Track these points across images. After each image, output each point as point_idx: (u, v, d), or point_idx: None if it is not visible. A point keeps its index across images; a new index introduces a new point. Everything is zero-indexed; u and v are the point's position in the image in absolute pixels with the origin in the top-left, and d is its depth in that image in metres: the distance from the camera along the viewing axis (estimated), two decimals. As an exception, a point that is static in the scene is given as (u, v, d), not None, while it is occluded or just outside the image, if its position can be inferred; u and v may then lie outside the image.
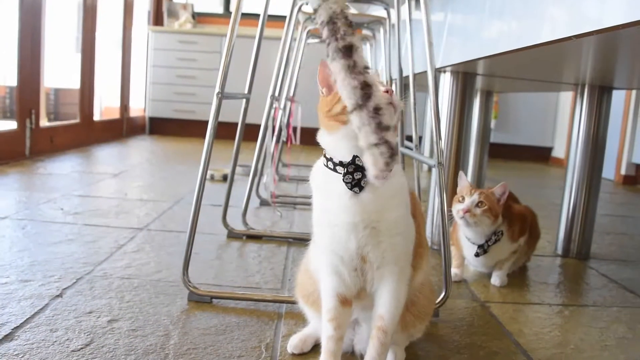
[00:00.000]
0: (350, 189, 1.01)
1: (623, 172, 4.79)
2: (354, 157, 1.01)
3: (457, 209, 1.77)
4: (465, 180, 1.83)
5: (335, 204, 1.03)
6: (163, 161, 4.17)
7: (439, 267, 1.83)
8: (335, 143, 1.04)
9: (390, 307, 1.08)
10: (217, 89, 1.53)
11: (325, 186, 1.05)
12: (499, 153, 6.13)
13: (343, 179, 1.01)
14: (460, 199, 1.79)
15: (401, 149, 1.94)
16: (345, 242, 1.04)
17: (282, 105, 2.81)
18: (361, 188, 1.01)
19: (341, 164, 1.02)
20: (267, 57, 2.54)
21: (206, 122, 1.56)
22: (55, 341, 1.22)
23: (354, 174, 1.01)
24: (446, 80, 2.18)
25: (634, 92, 4.65)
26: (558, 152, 6.12)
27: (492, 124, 5.87)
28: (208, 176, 3.39)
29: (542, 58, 1.65)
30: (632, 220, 3.19)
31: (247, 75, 2.04)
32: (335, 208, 1.04)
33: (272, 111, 2.46)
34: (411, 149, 1.96)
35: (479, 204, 1.75)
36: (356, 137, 0.98)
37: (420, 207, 1.24)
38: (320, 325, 1.15)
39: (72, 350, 1.19)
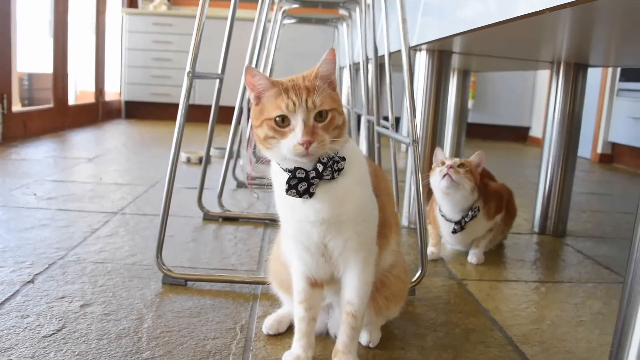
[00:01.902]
0: (300, 197, 0.99)
1: (599, 150, 4.83)
2: (295, 169, 0.98)
3: (439, 169, 1.75)
4: (441, 153, 1.82)
5: (292, 203, 1.02)
6: (139, 145, 4.12)
7: (416, 246, 1.82)
8: (272, 158, 1.03)
9: (357, 291, 1.07)
10: (187, 68, 1.50)
11: (282, 183, 1.02)
12: (477, 133, 6.15)
13: (287, 193, 0.99)
14: (441, 164, 1.78)
15: (377, 128, 1.93)
16: (308, 235, 1.03)
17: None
18: (312, 194, 0.99)
19: (288, 170, 1.00)
20: (244, 38, 2.50)
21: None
22: (26, 327, 1.20)
23: (297, 187, 0.99)
24: (422, 58, 2.17)
25: (609, 70, 4.68)
26: (536, 132, 6.15)
27: (470, 104, 5.88)
28: (184, 159, 3.37)
29: (518, 35, 1.64)
30: (608, 198, 3.22)
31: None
32: (293, 207, 1.02)
33: (247, 92, 2.43)
34: (387, 129, 1.95)
35: (461, 165, 1.75)
36: (285, 158, 0.97)
37: (387, 184, 1.22)
38: (293, 307, 1.14)
39: (44, 336, 1.16)
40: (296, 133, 0.93)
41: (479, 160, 1.79)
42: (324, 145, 0.95)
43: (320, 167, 0.97)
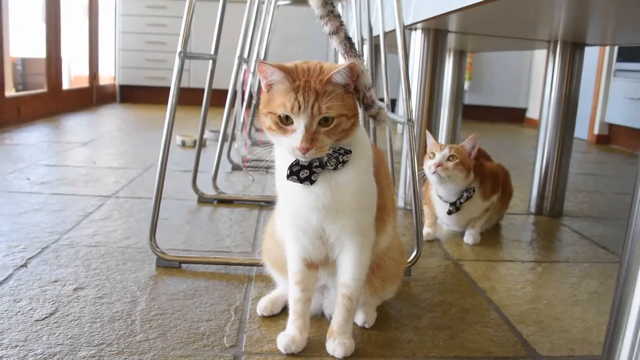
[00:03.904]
0: (301, 183, 0.98)
1: (596, 131, 4.81)
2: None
3: (429, 164, 1.75)
4: (431, 138, 1.81)
5: (293, 187, 1.01)
6: (134, 129, 4.09)
7: (412, 227, 1.81)
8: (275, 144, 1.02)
9: (353, 274, 1.07)
10: (179, 48, 1.47)
11: (284, 167, 1.01)
12: (473, 115, 6.12)
13: (287, 179, 0.99)
14: (431, 155, 1.77)
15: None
16: (307, 219, 1.03)
17: (252, 69, 2.76)
18: (313, 181, 0.98)
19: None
20: (238, 20, 2.47)
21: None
22: (18, 311, 1.19)
23: (299, 173, 0.98)
24: (417, 38, 2.15)
25: (607, 51, 4.65)
26: (532, 113, 6.13)
27: (466, 85, 5.85)
28: (179, 142, 3.35)
29: (515, 12, 1.62)
30: (605, 178, 3.21)
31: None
32: (293, 191, 1.01)
33: (242, 74, 2.41)
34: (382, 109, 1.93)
35: (450, 158, 1.73)
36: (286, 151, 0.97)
37: (387, 169, 1.22)
38: (288, 288, 1.14)
39: (36, 320, 1.15)
40: (296, 136, 0.93)
41: (472, 144, 1.78)
42: (323, 150, 0.94)
43: (324, 158, 0.97)
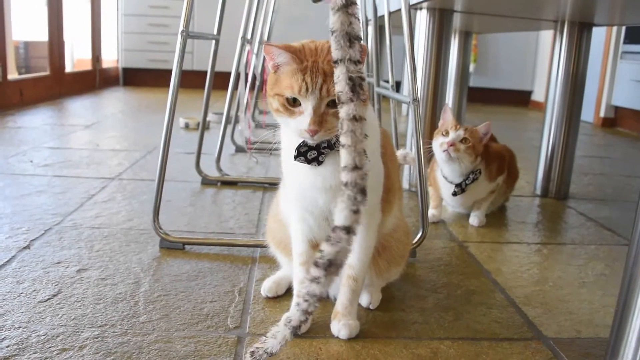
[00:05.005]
0: (308, 163, 0.97)
1: (602, 114, 4.78)
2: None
3: (441, 141, 1.73)
4: (450, 113, 1.78)
5: (300, 168, 1.00)
6: (137, 111, 4.08)
7: (417, 209, 1.80)
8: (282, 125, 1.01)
9: (359, 255, 1.06)
10: (181, 27, 1.45)
11: (291, 148, 0.99)
12: (479, 97, 6.09)
13: (295, 159, 0.97)
14: (444, 132, 1.75)
15: (377, 89, 1.89)
16: (313, 199, 1.02)
17: (255, 50, 2.73)
18: (320, 162, 0.97)
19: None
20: (242, 0, 2.44)
21: (182, 72, 1.48)
22: (21, 293, 1.18)
23: (306, 154, 0.96)
24: (422, 18, 2.12)
25: (613, 33, 4.60)
26: (538, 96, 6.09)
27: (471, 67, 5.81)
28: (182, 125, 3.34)
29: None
30: (610, 161, 3.19)
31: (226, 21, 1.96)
32: (300, 172, 1.00)
33: (245, 55, 2.39)
34: (387, 90, 1.91)
35: (464, 140, 1.72)
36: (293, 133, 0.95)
37: (393, 149, 1.21)
38: (292, 269, 1.13)
39: (39, 301, 1.15)
40: (304, 118, 0.91)
41: (486, 130, 1.76)
42: (331, 132, 0.92)
43: (333, 139, 0.95)
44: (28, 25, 4.45)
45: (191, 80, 5.36)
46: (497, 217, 1.93)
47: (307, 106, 0.91)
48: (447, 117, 1.78)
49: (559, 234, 1.81)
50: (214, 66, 2.03)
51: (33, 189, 1.94)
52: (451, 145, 1.70)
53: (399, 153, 1.49)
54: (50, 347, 0.98)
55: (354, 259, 1.06)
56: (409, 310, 1.21)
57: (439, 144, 1.74)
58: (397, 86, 2.20)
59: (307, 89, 0.90)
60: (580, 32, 2.13)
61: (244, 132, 2.61)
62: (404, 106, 4.53)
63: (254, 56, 2.60)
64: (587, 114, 4.85)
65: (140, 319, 1.10)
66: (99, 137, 2.99)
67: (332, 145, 0.96)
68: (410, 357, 1.02)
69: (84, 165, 2.32)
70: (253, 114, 3.43)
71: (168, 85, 1.47)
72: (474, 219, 1.84)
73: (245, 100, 2.61)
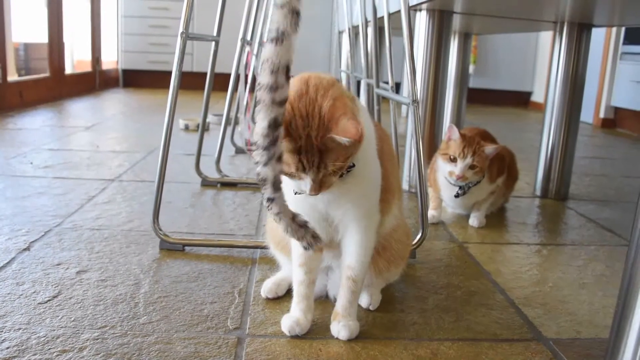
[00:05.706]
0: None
1: (602, 115, 4.78)
2: None
3: (449, 170, 1.74)
4: (456, 132, 1.76)
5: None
6: (137, 113, 4.08)
7: (417, 210, 1.80)
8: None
9: (357, 256, 1.06)
10: (180, 29, 1.45)
11: None
12: (478, 98, 6.09)
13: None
14: (452, 157, 1.74)
15: (377, 90, 1.89)
16: (312, 203, 1.02)
17: (255, 51, 2.73)
18: None
19: None
20: (242, 2, 2.45)
21: (181, 73, 1.48)
22: (21, 294, 1.18)
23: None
24: (422, 19, 2.12)
25: (613, 34, 4.60)
26: (537, 97, 6.10)
27: (471, 69, 5.81)
28: (182, 126, 3.34)
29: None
30: (611, 162, 3.19)
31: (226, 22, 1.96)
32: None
33: (245, 56, 2.39)
34: (387, 91, 1.91)
35: (472, 167, 1.72)
36: None
37: (391, 148, 1.21)
38: (292, 270, 1.13)
39: (39, 303, 1.15)
40: (306, 184, 0.93)
41: (494, 152, 1.76)
42: (332, 185, 0.95)
43: None
44: (28, 26, 4.45)
45: (191, 81, 5.36)
46: (497, 218, 1.93)
47: (307, 178, 0.93)
48: (453, 138, 1.77)
49: (558, 234, 1.81)
50: (213, 67, 2.04)
51: (33, 190, 1.94)
52: (460, 177, 1.72)
53: None
54: (50, 349, 0.98)
55: (353, 259, 1.06)
56: (408, 311, 1.21)
57: (447, 171, 1.76)
58: (397, 87, 2.21)
59: (304, 169, 0.92)
60: (579, 33, 2.13)
61: (243, 134, 2.61)
62: (404, 107, 4.54)
63: (253, 57, 2.61)
64: (587, 114, 4.86)
65: (140, 320, 1.10)
66: (99, 138, 2.99)
67: None
68: (410, 358, 1.02)
69: (84, 166, 2.32)
70: (253, 115, 3.43)
71: (168, 87, 1.47)
72: (473, 220, 1.84)
73: (245, 102, 2.61)
